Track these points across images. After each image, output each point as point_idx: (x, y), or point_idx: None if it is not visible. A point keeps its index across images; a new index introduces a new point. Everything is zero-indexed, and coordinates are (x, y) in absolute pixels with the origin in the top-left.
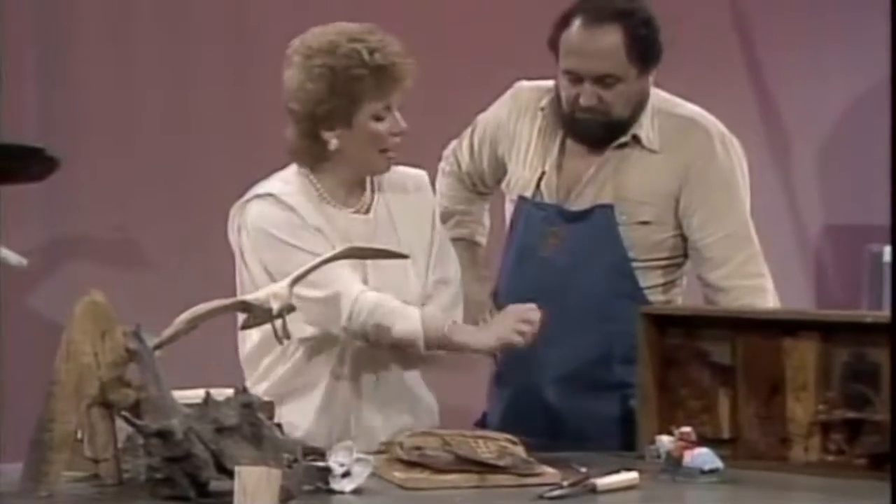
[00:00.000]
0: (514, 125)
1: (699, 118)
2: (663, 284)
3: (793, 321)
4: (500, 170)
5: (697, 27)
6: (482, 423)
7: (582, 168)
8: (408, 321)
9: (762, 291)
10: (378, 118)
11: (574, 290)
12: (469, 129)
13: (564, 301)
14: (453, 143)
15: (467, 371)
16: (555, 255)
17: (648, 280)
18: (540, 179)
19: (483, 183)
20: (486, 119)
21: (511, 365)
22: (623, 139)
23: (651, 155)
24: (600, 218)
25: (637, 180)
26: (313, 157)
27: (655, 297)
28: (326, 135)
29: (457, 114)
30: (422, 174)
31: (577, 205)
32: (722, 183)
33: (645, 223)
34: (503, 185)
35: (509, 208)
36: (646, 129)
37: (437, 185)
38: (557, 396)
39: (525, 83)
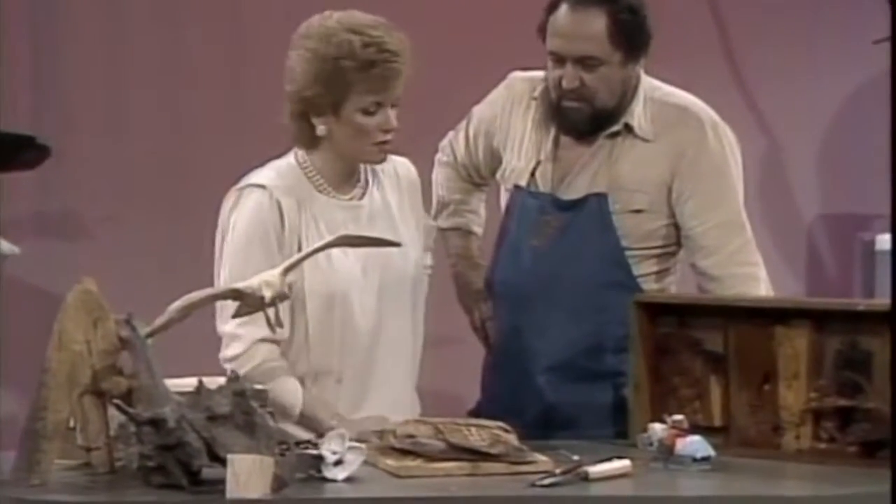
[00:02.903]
0: (509, 116)
1: (691, 106)
2: (657, 273)
3: (785, 309)
4: (495, 161)
5: (696, 22)
6: (476, 412)
7: (575, 157)
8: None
9: (755, 279)
10: (367, 112)
11: (568, 279)
12: (465, 121)
13: (558, 290)
14: (450, 135)
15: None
16: (548, 244)
17: (642, 268)
18: (535, 169)
19: (478, 174)
20: (480, 111)
21: (504, 354)
22: (615, 128)
23: (643, 143)
24: (594, 207)
25: (630, 168)
26: (307, 139)
27: (649, 285)
28: (315, 120)
29: (455, 106)
30: (406, 161)
31: (571, 194)
32: (714, 171)
33: (638, 211)
34: (498, 176)
35: (504, 198)
36: (637, 117)
37: (434, 176)
38: (550, 385)
39: (519, 73)
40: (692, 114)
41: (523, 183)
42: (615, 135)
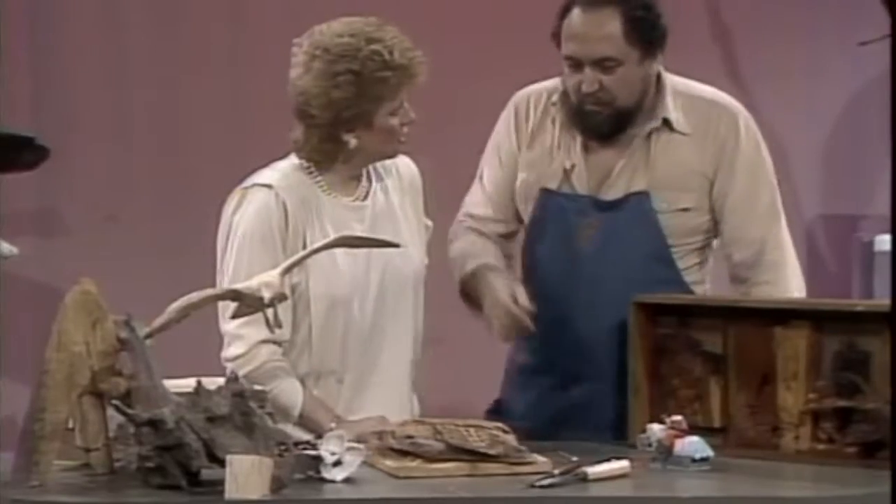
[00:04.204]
0: (525, 130)
1: (720, 99)
2: (698, 263)
3: (784, 310)
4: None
5: (696, 22)
6: (496, 411)
7: (611, 156)
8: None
9: (783, 265)
10: (394, 113)
11: (613, 280)
12: (477, 181)
13: (603, 291)
14: (466, 201)
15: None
16: (591, 246)
17: (685, 262)
18: (568, 172)
19: (507, 222)
20: (489, 161)
21: (549, 356)
22: (654, 124)
23: (681, 138)
24: (635, 205)
25: (672, 166)
26: (326, 156)
27: (692, 276)
28: (346, 136)
29: (458, 103)
30: (407, 159)
31: (611, 194)
32: (750, 163)
33: (685, 210)
34: (518, 184)
35: (529, 206)
36: (672, 112)
37: (456, 248)
38: (594, 387)
39: (520, 92)
40: (723, 107)
41: (554, 186)
42: (650, 132)
